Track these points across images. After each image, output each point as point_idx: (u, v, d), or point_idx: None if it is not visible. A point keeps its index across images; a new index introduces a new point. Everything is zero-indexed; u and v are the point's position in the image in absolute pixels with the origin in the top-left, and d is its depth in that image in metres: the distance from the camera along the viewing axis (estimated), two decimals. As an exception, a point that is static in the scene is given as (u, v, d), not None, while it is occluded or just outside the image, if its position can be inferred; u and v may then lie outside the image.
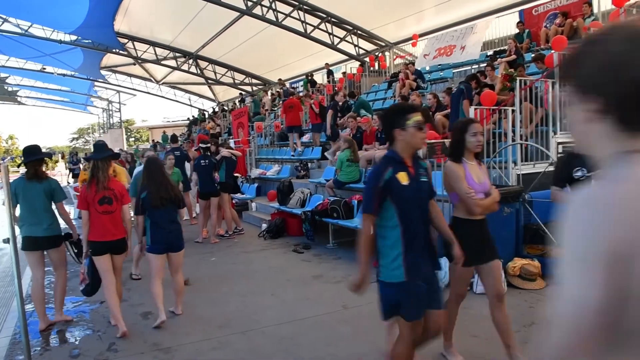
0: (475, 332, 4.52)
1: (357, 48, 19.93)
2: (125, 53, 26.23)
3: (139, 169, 7.96)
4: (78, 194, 6.36)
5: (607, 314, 0.95)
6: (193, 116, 30.95)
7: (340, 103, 12.55)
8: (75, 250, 5.44)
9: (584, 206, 1.01)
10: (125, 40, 24.90)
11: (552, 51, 7.85)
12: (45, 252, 5.33)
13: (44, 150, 5.55)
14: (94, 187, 4.93)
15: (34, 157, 5.20)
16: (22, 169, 5.39)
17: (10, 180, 4.23)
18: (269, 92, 23.88)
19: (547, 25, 12.18)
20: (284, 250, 8.58)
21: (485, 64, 10.86)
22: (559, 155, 7.08)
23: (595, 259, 0.95)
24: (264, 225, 10.11)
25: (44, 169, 5.38)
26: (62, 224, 5.42)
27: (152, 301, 5.31)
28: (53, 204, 5.28)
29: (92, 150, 5.67)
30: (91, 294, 5.23)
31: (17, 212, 5.09)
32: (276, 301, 5.84)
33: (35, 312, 5.40)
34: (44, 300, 5.38)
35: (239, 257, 8.33)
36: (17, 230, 5.46)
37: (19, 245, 4.28)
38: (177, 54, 26.90)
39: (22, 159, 5.24)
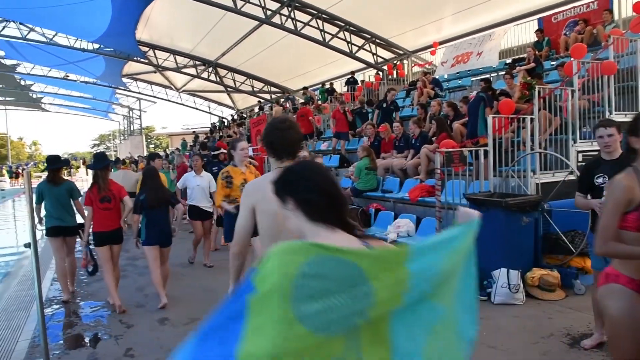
0: (492, 343, 4.47)
1: (375, 56, 19.95)
2: (146, 61, 26.64)
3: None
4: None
5: (250, 228, 2.58)
6: (212, 124, 31.20)
7: (388, 103, 12.13)
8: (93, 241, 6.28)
9: (247, 186, 2.78)
10: (146, 49, 25.30)
11: (572, 59, 7.77)
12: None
13: (65, 156, 6.53)
14: (95, 190, 5.98)
15: (54, 165, 6.45)
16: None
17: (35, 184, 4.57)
18: (280, 102, 24.10)
19: (567, 33, 12.07)
20: (300, 258, 8.55)
21: (503, 72, 10.80)
22: (579, 163, 7.00)
23: (246, 207, 2.54)
24: (281, 233, 10.12)
25: (61, 174, 6.63)
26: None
27: (154, 288, 6.20)
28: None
29: (93, 160, 6.61)
30: (94, 274, 6.36)
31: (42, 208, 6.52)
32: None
33: (54, 316, 5.85)
34: (66, 275, 6.58)
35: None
36: (38, 234, 5.78)
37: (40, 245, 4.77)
38: (197, 62, 27.22)
39: (46, 165, 6.51)
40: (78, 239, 6.67)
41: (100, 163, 6.16)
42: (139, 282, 7.35)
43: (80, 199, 6.49)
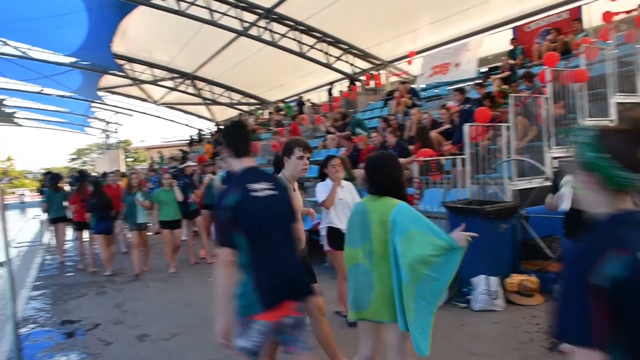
0: (473, 350, 4.49)
1: (352, 67, 20.08)
2: (123, 74, 26.39)
3: None
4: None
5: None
6: (190, 137, 30.99)
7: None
8: (75, 226, 10.19)
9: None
10: (123, 62, 25.07)
11: (544, 67, 7.91)
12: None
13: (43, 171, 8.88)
14: (78, 194, 9.67)
15: (53, 180, 10.86)
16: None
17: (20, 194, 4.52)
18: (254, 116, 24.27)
19: (540, 42, 12.30)
20: (281, 270, 8.50)
21: (479, 81, 10.93)
22: (553, 169, 7.10)
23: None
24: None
25: (59, 184, 10.84)
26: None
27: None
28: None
29: (78, 175, 11.02)
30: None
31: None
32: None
33: (30, 336, 5.79)
34: (62, 242, 10.93)
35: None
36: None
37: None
38: (175, 75, 27.05)
39: (50, 179, 11.25)
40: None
41: (82, 178, 10.54)
42: (117, 298, 7.24)
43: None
